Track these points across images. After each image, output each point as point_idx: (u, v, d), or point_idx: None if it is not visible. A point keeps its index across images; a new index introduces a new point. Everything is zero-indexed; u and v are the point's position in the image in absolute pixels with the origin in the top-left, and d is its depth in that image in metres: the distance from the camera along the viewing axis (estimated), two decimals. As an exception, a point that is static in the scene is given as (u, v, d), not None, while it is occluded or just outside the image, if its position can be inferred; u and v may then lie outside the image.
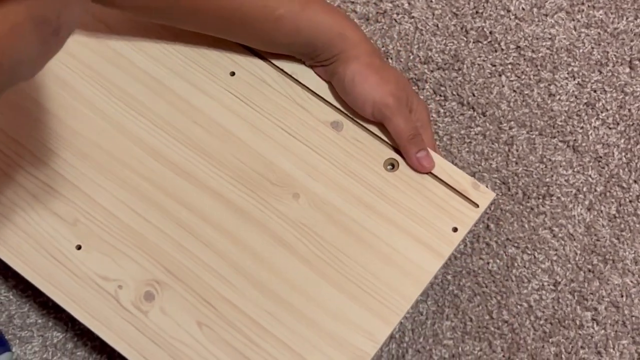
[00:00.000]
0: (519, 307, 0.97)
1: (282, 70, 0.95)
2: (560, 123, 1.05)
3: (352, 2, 1.11)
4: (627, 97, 1.07)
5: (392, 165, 0.90)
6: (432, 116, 1.06)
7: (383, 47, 1.09)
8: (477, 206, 0.89)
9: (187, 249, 0.88)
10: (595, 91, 1.07)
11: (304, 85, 0.94)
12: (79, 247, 0.88)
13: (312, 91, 0.94)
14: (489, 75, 1.08)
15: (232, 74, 0.95)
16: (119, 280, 0.87)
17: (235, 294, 0.86)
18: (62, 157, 0.92)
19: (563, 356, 0.95)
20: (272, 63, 0.95)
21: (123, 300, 0.86)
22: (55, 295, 0.86)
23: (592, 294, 0.97)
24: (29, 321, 0.96)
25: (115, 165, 0.92)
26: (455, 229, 0.88)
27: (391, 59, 1.08)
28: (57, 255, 0.88)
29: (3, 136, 0.93)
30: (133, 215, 0.89)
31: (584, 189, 1.02)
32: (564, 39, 1.09)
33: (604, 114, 1.06)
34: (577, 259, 0.99)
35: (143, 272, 0.87)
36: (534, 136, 1.05)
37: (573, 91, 1.07)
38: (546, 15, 1.10)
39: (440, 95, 1.07)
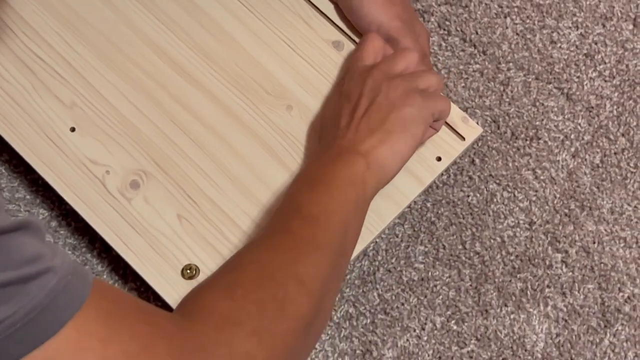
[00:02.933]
0: (492, 241, 1.00)
1: (291, -17, 0.96)
2: (557, 70, 1.07)
3: None
4: (626, 53, 1.08)
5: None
6: (433, 49, 1.08)
7: (395, -25, 1.10)
8: (464, 139, 0.91)
9: (176, 144, 0.91)
10: (596, 43, 1.08)
11: (311, 2, 0.96)
12: (72, 130, 0.91)
13: (318, 9, 0.96)
14: (495, 16, 1.09)
15: (242, -19, 0.97)
16: (108, 166, 0.90)
17: (217, 193, 0.89)
18: (68, 42, 0.95)
19: (528, 292, 0.98)
20: (281, -25, 0.97)
21: (109, 185, 0.89)
22: (46, 173, 0.89)
23: (565, 237, 1.00)
24: (18, 196, 0.99)
25: (117, 57, 0.94)
26: (439, 159, 0.90)
27: (401, -12, 1.09)
28: (51, 135, 0.91)
29: (15, 16, 0.95)
30: (129, 106, 0.92)
31: (572, 136, 1.04)
32: (573, -12, 1.10)
33: (601, 67, 1.07)
34: (555, 202, 1.01)
35: (131, 161, 0.90)
36: (530, 80, 1.06)
37: (574, 41, 1.08)
38: (559, -38, 1.11)
39: (444, 30, 1.09)
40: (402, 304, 0.97)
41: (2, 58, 0.93)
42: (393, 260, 0.99)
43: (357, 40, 0.94)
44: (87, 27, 0.95)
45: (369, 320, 0.96)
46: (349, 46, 0.95)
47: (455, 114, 0.93)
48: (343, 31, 0.95)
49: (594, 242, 1.00)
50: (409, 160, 0.88)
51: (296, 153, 0.90)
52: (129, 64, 0.93)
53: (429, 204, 1.01)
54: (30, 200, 0.99)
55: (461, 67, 1.07)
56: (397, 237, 1.00)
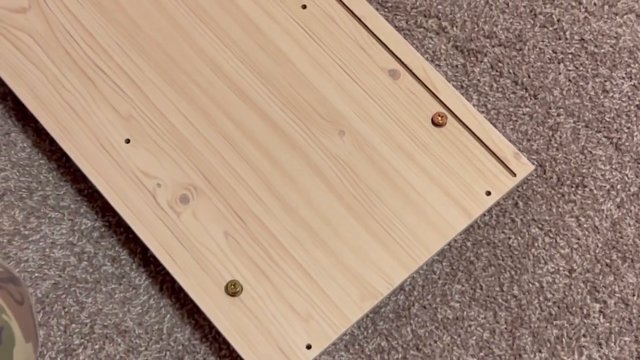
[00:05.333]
0: (530, 285, 0.99)
1: (351, 11, 0.97)
2: (608, 119, 1.07)
3: (430, -35, 1.13)
4: (677, 108, 1.08)
5: (441, 117, 0.93)
6: (484, 89, 1.08)
7: (451, 14, 1.11)
8: (515, 175, 0.91)
9: (227, 162, 0.91)
10: (648, 96, 1.08)
11: (370, 29, 0.97)
12: (127, 141, 0.92)
13: (376, 37, 0.97)
14: (548, 61, 1.10)
15: (304, 7, 0.98)
16: (159, 179, 0.90)
17: (264, 212, 0.89)
18: (128, 54, 0.96)
19: (564, 340, 0.97)
20: (343, 3, 0.98)
21: (159, 198, 0.90)
22: (98, 182, 0.90)
23: (604, 287, 1.00)
24: (62, 204, 1.00)
25: (174, 70, 0.95)
26: (488, 193, 0.90)
27: (456, 27, 1.10)
28: (106, 145, 0.92)
29: (78, 26, 0.96)
30: (183, 120, 0.93)
31: (618, 187, 1.04)
32: (629, 40, 1.10)
33: (652, 120, 1.07)
34: (597, 251, 1.01)
35: (182, 175, 0.90)
36: (579, 127, 1.07)
37: (627, 91, 1.09)
38: (616, 14, 1.11)
39: (496, 71, 1.09)
40: (435, 342, 0.97)
41: (64, 67, 0.94)
42: (429, 297, 0.99)
43: (414, 69, 0.95)
44: (147, 40, 0.96)
45: (400, 356, 0.96)
46: (405, 75, 0.95)
47: (507, 149, 0.93)
48: (400, 60, 0.96)
49: (634, 295, 1.00)
50: (457, 192, 0.88)
51: (346, 179, 0.91)
52: (185, 78, 0.94)
53: (469, 243, 1.01)
54: (75, 209, 0.99)
55: (511, 109, 1.07)
56: (435, 274, 1.00)
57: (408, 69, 0.95)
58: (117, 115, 0.93)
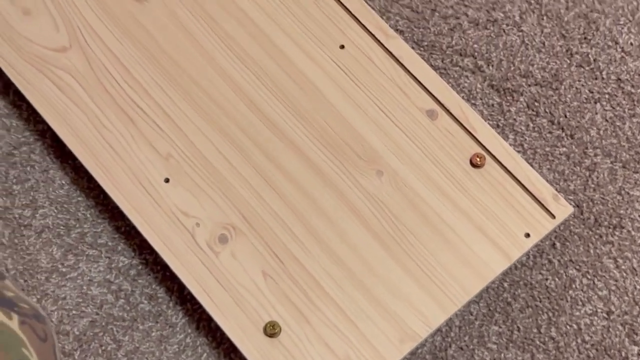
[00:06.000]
0: (568, 327, 0.99)
1: (390, 52, 0.98)
2: (645, 160, 1.07)
3: (465, 6, 1.13)
4: None
5: (479, 158, 0.93)
6: (520, 128, 1.08)
7: (487, 53, 1.11)
8: (554, 217, 0.91)
9: (265, 201, 0.91)
10: (685, 136, 1.08)
11: (408, 70, 0.97)
12: (167, 180, 0.92)
13: (414, 77, 0.97)
14: (585, 101, 1.10)
15: (342, 47, 0.98)
16: (198, 218, 0.91)
17: (302, 252, 0.89)
18: (167, 92, 0.96)
19: (602, 383, 0.97)
20: (381, 43, 0.98)
21: (198, 238, 0.90)
22: (137, 220, 0.91)
23: (643, 330, 0.99)
24: (100, 241, 1.00)
25: (213, 110, 0.96)
26: (527, 235, 0.90)
27: (492, 65, 1.10)
28: (145, 184, 0.92)
29: (118, 64, 0.97)
30: (221, 159, 0.93)
31: (656, 228, 1.03)
32: (665, 80, 1.10)
33: (690, 160, 1.07)
34: (635, 293, 1.00)
35: (221, 215, 0.91)
36: (617, 167, 1.06)
37: (664, 132, 1.08)
38: (652, 54, 1.11)
39: (533, 110, 1.09)
40: (473, 383, 0.96)
41: (104, 106, 0.95)
42: (466, 338, 0.98)
43: (451, 109, 0.95)
44: (185, 79, 0.97)
45: (437, 396, 0.95)
46: (443, 116, 0.95)
47: (546, 190, 0.92)
48: (438, 100, 0.96)
49: (673, 338, 0.99)
50: (496, 234, 0.88)
51: (384, 219, 0.91)
52: (224, 117, 0.95)
53: (505, 284, 1.00)
54: (112, 247, 1.00)
55: (547, 149, 1.07)
56: (472, 314, 0.99)
57: (445, 108, 0.95)
58: (156, 154, 0.93)
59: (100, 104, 0.95)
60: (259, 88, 0.96)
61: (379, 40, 0.98)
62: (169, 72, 0.97)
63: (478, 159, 0.93)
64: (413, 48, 1.09)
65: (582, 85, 1.10)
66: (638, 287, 1.01)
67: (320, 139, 0.94)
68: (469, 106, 0.97)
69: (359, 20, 0.99)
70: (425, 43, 1.10)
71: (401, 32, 1.08)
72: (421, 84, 0.97)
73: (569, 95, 1.10)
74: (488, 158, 0.93)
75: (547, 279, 1.01)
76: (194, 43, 0.98)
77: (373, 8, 1.06)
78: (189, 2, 1.00)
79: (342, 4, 1.00)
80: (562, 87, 1.10)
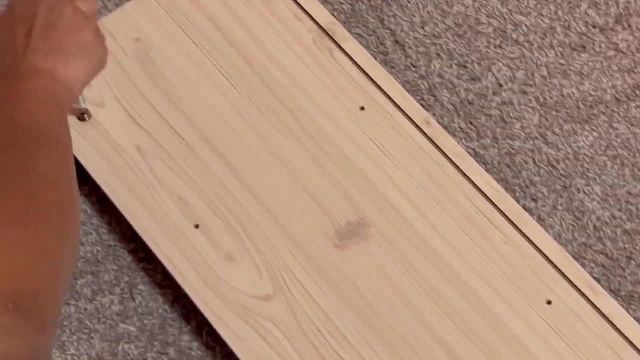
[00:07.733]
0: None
1: (599, 309, 0.97)
2: None
3: None
4: None
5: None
6: None
7: None
8: None
9: None
10: None
11: (618, 329, 0.96)
12: None
13: (626, 337, 0.96)
14: None
15: (549, 302, 0.98)
16: None
17: None
18: (369, 343, 0.96)
19: None
20: (589, 300, 0.97)
21: None
22: None
23: None
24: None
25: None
26: None
27: None
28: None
29: (322, 315, 0.98)
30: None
31: None
32: None
33: None
34: None
35: None
36: None
37: None
38: None
39: None
40: None
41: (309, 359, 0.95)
42: None
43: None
44: (388, 329, 0.96)
45: None
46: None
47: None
48: None
49: None
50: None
51: None
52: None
53: None
54: None
55: None
56: None
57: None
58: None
59: (305, 357, 0.95)
60: (470, 349, 0.96)
61: (586, 296, 0.97)
62: (371, 322, 0.97)
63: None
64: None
65: None
66: None
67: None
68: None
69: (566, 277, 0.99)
70: (623, 293, 1.07)
71: (597, 280, 1.06)
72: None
73: None
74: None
75: None
76: (397, 293, 0.99)
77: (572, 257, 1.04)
78: (394, 254, 1.01)
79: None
80: None
